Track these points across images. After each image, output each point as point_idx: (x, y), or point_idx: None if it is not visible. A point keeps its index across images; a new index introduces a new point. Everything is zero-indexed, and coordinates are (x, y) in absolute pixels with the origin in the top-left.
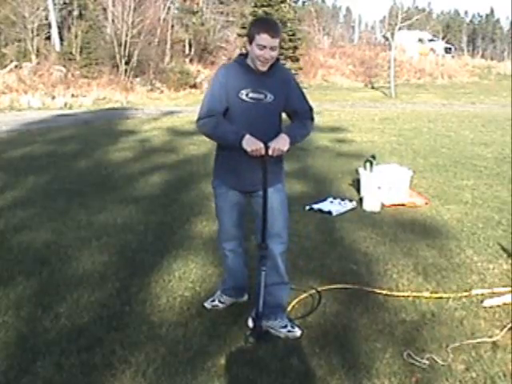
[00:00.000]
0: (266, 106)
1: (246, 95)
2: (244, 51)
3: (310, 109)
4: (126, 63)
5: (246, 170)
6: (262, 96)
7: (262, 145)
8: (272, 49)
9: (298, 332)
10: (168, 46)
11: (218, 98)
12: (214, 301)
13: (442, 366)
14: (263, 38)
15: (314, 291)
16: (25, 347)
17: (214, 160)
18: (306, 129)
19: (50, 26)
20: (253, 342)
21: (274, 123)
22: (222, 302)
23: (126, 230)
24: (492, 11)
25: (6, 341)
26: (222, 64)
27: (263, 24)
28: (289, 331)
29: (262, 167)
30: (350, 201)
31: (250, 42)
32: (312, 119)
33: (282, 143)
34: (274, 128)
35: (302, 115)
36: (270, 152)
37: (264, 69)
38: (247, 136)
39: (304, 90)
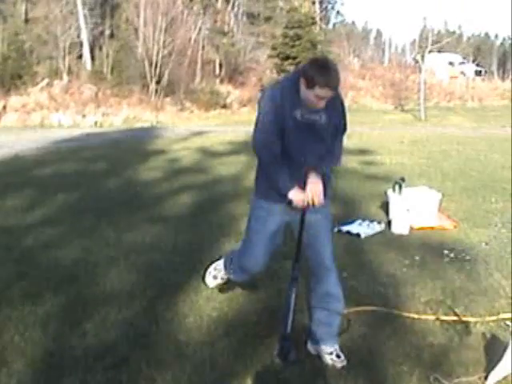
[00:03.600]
0: (320, 128)
1: (301, 116)
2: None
3: (345, 128)
4: (157, 83)
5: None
6: (317, 117)
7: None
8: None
9: (339, 363)
10: (198, 66)
11: (274, 117)
12: (216, 278)
13: None
14: (324, 92)
15: (344, 312)
16: (51, 364)
17: (256, 174)
18: (335, 158)
19: (81, 44)
20: (279, 363)
21: (326, 144)
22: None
23: (154, 249)
24: None
25: (32, 357)
26: (274, 82)
27: (325, 77)
28: (331, 359)
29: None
30: (379, 223)
31: (307, 85)
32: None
33: (318, 190)
34: (325, 149)
35: (336, 132)
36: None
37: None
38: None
39: None
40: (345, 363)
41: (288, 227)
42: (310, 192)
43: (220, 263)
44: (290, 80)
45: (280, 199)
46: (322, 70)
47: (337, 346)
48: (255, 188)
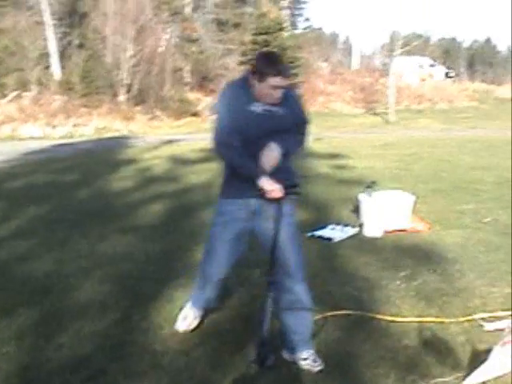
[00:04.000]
0: (279, 119)
1: (259, 109)
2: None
3: (306, 119)
4: (127, 92)
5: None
6: (275, 109)
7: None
8: (283, 87)
9: (316, 368)
10: (168, 74)
11: (228, 116)
12: (186, 318)
13: None
14: (277, 81)
15: (318, 317)
16: (27, 378)
17: (223, 174)
18: (298, 143)
19: (49, 55)
20: (256, 370)
21: (288, 134)
22: (195, 318)
23: (126, 259)
24: (489, 39)
25: (7, 372)
26: (228, 82)
27: (275, 65)
28: (308, 364)
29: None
30: (353, 227)
31: (260, 78)
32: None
33: (273, 155)
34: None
35: (298, 124)
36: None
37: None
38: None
39: None
40: (322, 367)
41: (253, 235)
42: (265, 156)
43: (187, 304)
44: (240, 79)
45: (245, 194)
46: (270, 61)
47: (312, 351)
48: (220, 191)
